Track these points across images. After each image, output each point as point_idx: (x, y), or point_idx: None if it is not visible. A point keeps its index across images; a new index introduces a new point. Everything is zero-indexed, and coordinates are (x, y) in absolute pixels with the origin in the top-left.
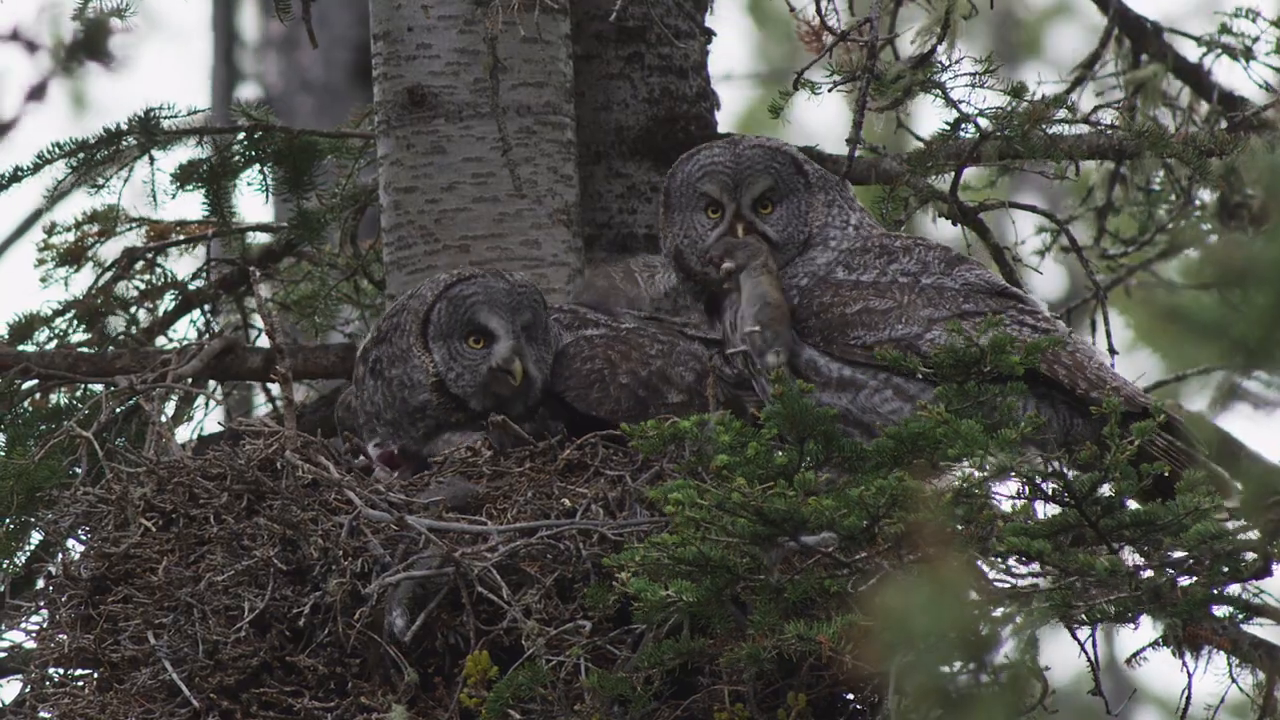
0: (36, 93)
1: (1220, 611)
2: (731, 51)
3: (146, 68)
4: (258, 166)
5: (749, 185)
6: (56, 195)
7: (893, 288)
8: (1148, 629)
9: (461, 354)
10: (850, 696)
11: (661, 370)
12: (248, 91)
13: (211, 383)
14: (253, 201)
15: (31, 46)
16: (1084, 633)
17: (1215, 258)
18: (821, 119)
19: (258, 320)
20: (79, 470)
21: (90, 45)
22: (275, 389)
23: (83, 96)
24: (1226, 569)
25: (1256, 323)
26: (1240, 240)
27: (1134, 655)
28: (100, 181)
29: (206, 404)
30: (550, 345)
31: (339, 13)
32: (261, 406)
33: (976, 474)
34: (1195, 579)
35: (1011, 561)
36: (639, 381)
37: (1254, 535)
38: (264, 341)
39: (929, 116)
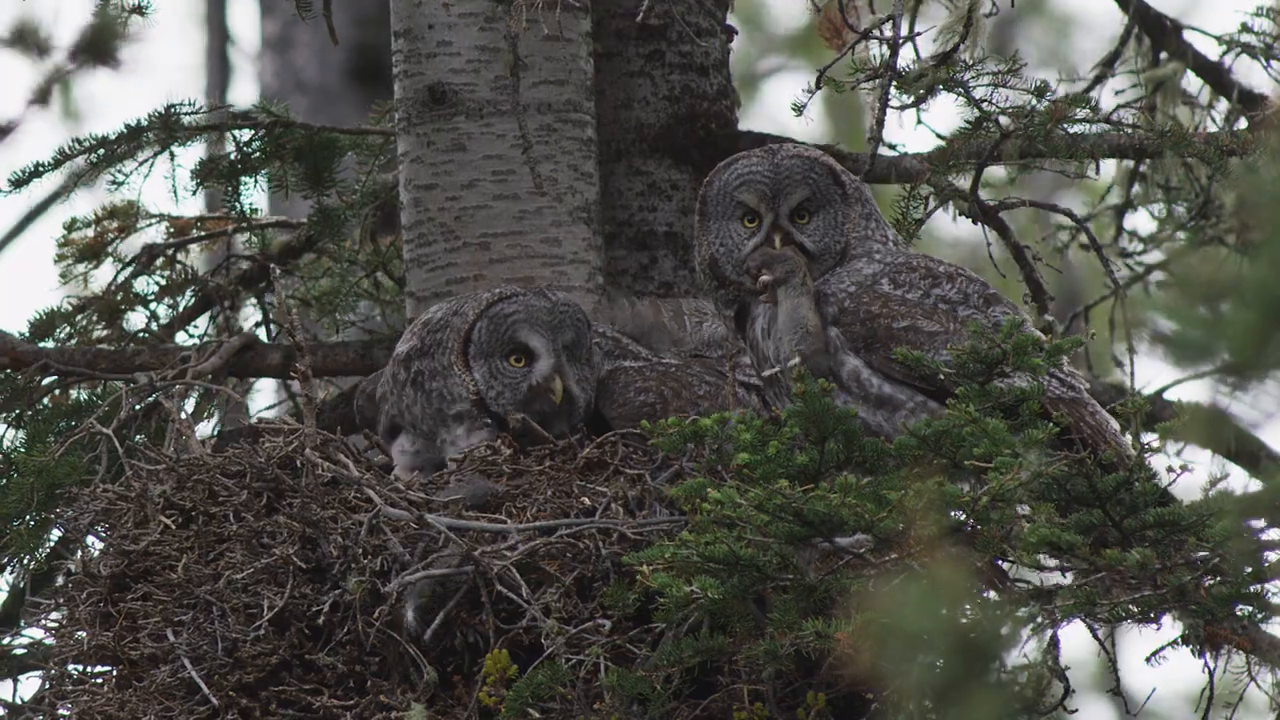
0: (40, 96)
1: (1240, 611)
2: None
3: (140, 68)
4: (278, 163)
5: (787, 195)
6: (72, 185)
7: (937, 312)
8: (1166, 628)
9: (502, 373)
10: (869, 696)
11: (706, 414)
12: (242, 91)
13: (231, 379)
14: (262, 198)
15: (38, 50)
16: (1103, 633)
17: (1200, 276)
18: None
19: (277, 316)
20: (99, 467)
21: (97, 47)
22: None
23: (73, 99)
24: (1250, 569)
25: (1243, 341)
26: (1226, 258)
27: (1154, 654)
28: (120, 178)
29: (226, 401)
30: (594, 366)
31: (336, 13)
32: (260, 409)
33: (1009, 479)
34: (1219, 579)
35: (1040, 558)
36: None
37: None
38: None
39: (949, 115)
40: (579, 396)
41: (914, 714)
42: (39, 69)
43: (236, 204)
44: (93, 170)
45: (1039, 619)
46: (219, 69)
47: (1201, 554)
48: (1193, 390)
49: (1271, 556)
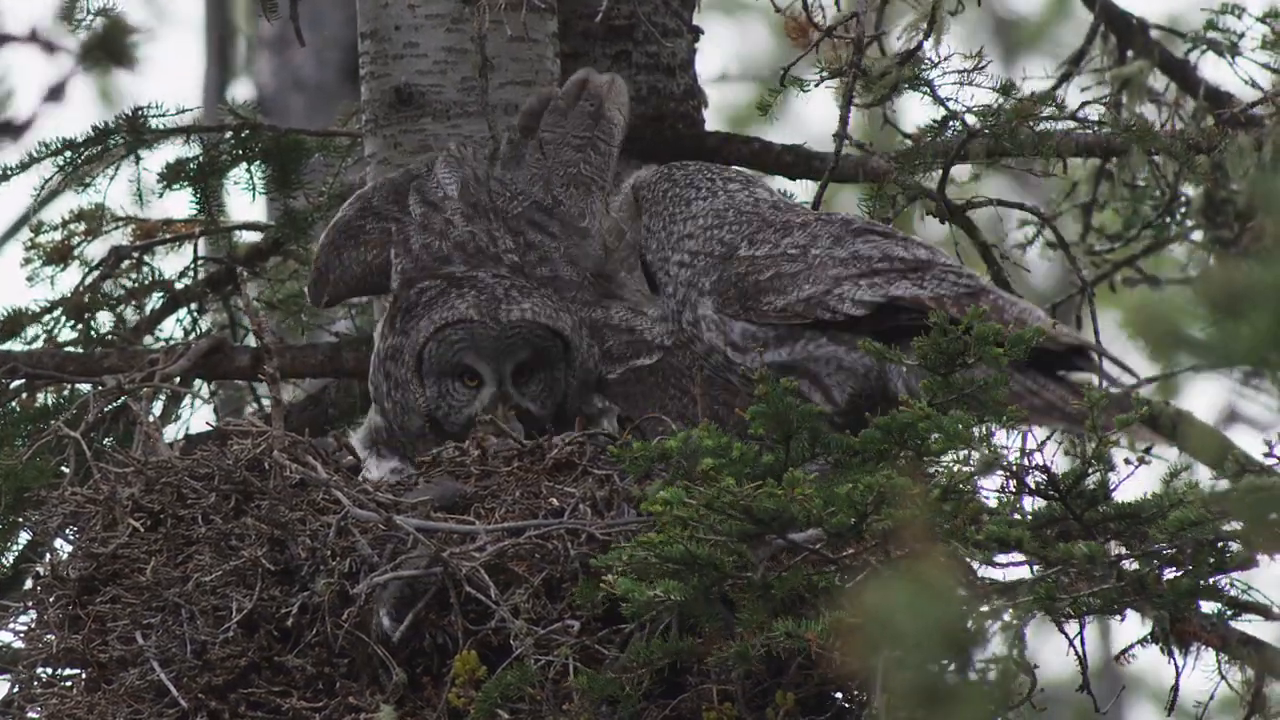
0: (54, 93)
1: (1209, 608)
2: (727, 50)
3: (143, 67)
4: (245, 165)
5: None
6: (45, 195)
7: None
8: (1139, 625)
9: (451, 393)
10: (838, 695)
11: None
12: (241, 91)
13: (198, 382)
14: (242, 200)
15: (50, 47)
16: (1073, 629)
17: (1213, 282)
18: (814, 116)
19: (245, 319)
20: (67, 470)
21: (108, 46)
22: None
23: (109, 93)
24: (1212, 560)
25: (1255, 344)
26: (1238, 263)
27: (1123, 651)
28: (88, 180)
29: (192, 403)
30: (580, 370)
31: (331, 12)
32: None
33: (961, 469)
34: (1180, 571)
35: (994, 551)
36: None
37: (1238, 525)
38: (252, 340)
39: (915, 113)
40: (541, 415)
41: (893, 712)
42: (57, 66)
43: (206, 206)
44: (61, 173)
45: (1005, 615)
46: (219, 68)
47: (1160, 545)
48: (1169, 395)
49: (1234, 547)
